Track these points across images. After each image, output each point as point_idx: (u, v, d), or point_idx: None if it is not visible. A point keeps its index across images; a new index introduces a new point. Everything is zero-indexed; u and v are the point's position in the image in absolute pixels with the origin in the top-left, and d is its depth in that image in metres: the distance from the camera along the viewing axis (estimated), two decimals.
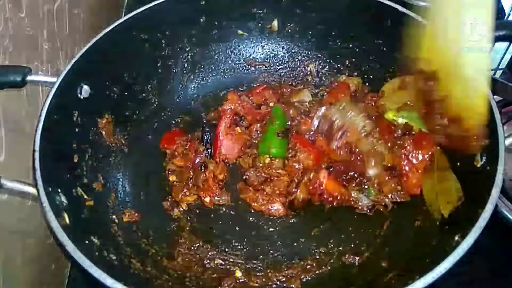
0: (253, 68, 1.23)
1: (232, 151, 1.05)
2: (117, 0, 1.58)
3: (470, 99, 0.76)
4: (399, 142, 0.97)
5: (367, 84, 1.13)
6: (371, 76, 1.13)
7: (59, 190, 0.78)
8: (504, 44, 1.41)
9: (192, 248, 0.93)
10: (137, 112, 1.09)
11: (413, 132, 0.97)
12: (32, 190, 0.74)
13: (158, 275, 0.86)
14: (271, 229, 0.96)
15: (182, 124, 1.13)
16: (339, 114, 1.00)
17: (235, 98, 1.09)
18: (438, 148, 0.95)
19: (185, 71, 1.18)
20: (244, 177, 1.01)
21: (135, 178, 1.03)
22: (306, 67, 1.21)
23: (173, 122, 1.13)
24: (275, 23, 1.17)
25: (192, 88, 1.20)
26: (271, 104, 1.10)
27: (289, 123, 1.05)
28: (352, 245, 0.92)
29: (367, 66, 1.13)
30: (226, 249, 0.93)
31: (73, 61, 0.89)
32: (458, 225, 0.75)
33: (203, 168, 1.00)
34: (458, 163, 0.87)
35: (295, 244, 0.93)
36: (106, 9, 1.43)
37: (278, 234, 0.95)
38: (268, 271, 0.89)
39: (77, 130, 0.91)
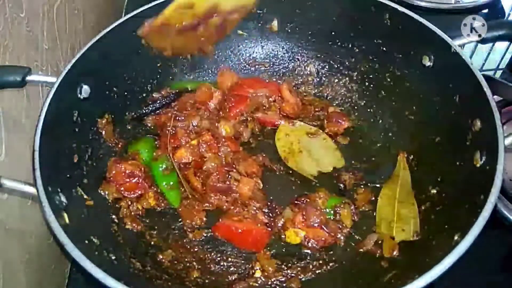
0: (253, 68, 1.23)
1: None
2: (117, 0, 1.58)
3: None
4: None
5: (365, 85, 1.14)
6: (371, 76, 1.13)
7: (59, 190, 0.78)
8: (504, 44, 1.41)
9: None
10: (137, 112, 1.10)
11: None
12: (32, 189, 0.74)
13: (158, 275, 0.86)
14: None
15: None
16: None
17: None
18: (404, 166, 0.99)
19: (184, 71, 1.18)
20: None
21: None
22: (306, 67, 1.21)
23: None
24: (275, 23, 1.17)
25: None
26: None
27: None
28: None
29: (367, 66, 1.13)
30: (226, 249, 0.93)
31: (73, 61, 0.89)
32: (458, 225, 0.75)
33: None
34: (458, 163, 0.87)
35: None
36: (106, 9, 1.43)
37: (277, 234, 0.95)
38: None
39: (77, 130, 0.91)
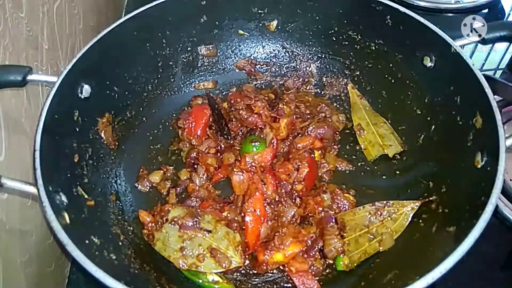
0: (253, 69, 1.23)
1: None
2: (117, 0, 1.58)
3: None
4: None
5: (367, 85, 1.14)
6: (372, 76, 1.13)
7: (60, 190, 0.78)
8: (504, 44, 1.41)
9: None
10: (138, 111, 1.10)
11: None
12: (32, 189, 0.74)
13: (158, 275, 0.86)
14: None
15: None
16: None
17: None
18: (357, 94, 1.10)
19: (185, 71, 1.18)
20: None
21: (136, 178, 1.03)
22: (307, 67, 1.21)
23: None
24: (276, 23, 1.17)
25: (193, 88, 1.20)
26: None
27: None
28: None
29: (368, 66, 1.13)
30: None
31: (74, 60, 0.89)
32: (459, 226, 0.75)
33: None
34: (458, 164, 0.86)
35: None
36: (106, 9, 1.43)
37: None
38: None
39: (77, 129, 0.91)
